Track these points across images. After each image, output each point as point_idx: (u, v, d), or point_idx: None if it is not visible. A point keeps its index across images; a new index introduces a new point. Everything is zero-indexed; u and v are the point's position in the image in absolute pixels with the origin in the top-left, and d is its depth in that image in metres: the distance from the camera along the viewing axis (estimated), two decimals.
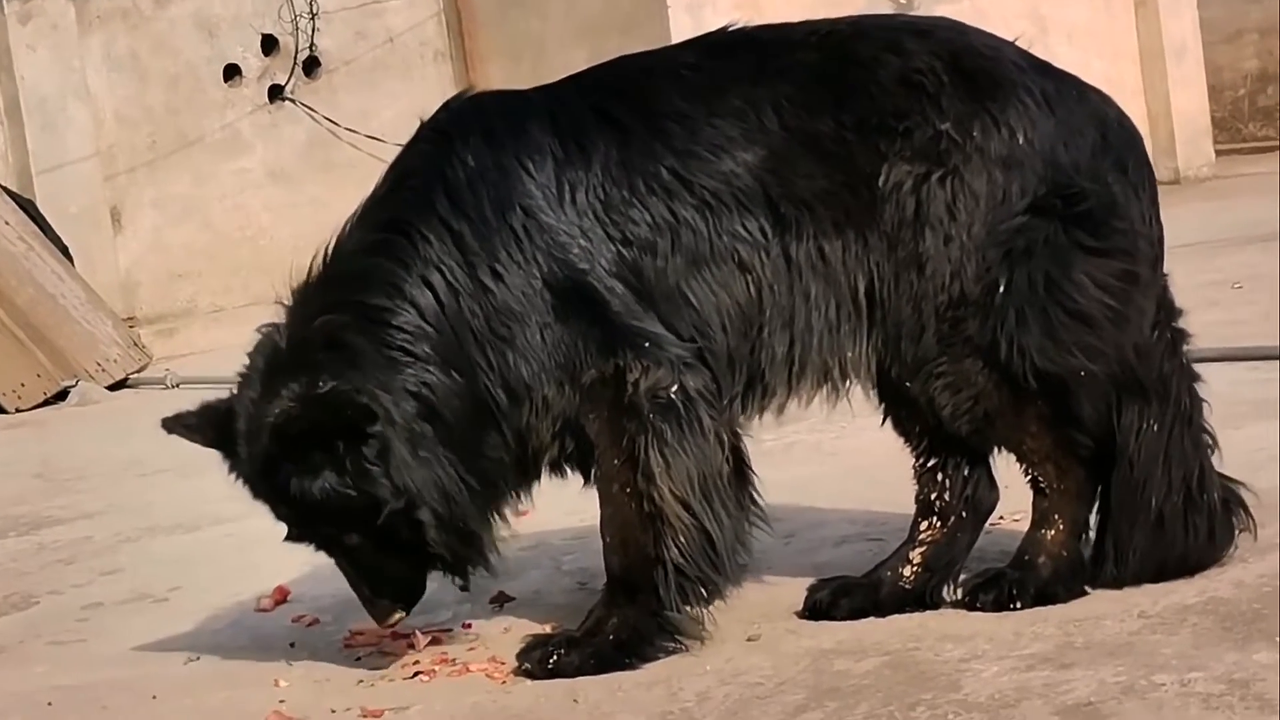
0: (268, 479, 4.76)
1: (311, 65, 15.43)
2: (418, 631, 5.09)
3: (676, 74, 4.90)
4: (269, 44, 15.26)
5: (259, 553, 6.61)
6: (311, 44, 15.39)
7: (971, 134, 4.67)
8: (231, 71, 15.08)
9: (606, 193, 4.72)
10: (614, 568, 4.74)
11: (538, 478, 4.96)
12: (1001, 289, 4.65)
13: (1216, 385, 5.58)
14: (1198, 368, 5.06)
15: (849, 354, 4.78)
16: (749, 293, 4.73)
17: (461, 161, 4.76)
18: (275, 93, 15.24)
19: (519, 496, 4.97)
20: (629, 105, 4.84)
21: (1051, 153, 4.69)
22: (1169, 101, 16.85)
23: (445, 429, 4.69)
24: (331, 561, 5.70)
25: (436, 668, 4.90)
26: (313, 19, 15.35)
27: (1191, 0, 17.19)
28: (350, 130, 15.32)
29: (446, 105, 5.00)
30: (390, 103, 15.51)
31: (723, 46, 4.97)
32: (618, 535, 4.71)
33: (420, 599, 4.89)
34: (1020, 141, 4.68)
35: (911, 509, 5.02)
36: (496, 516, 4.90)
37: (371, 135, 15.22)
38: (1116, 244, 4.71)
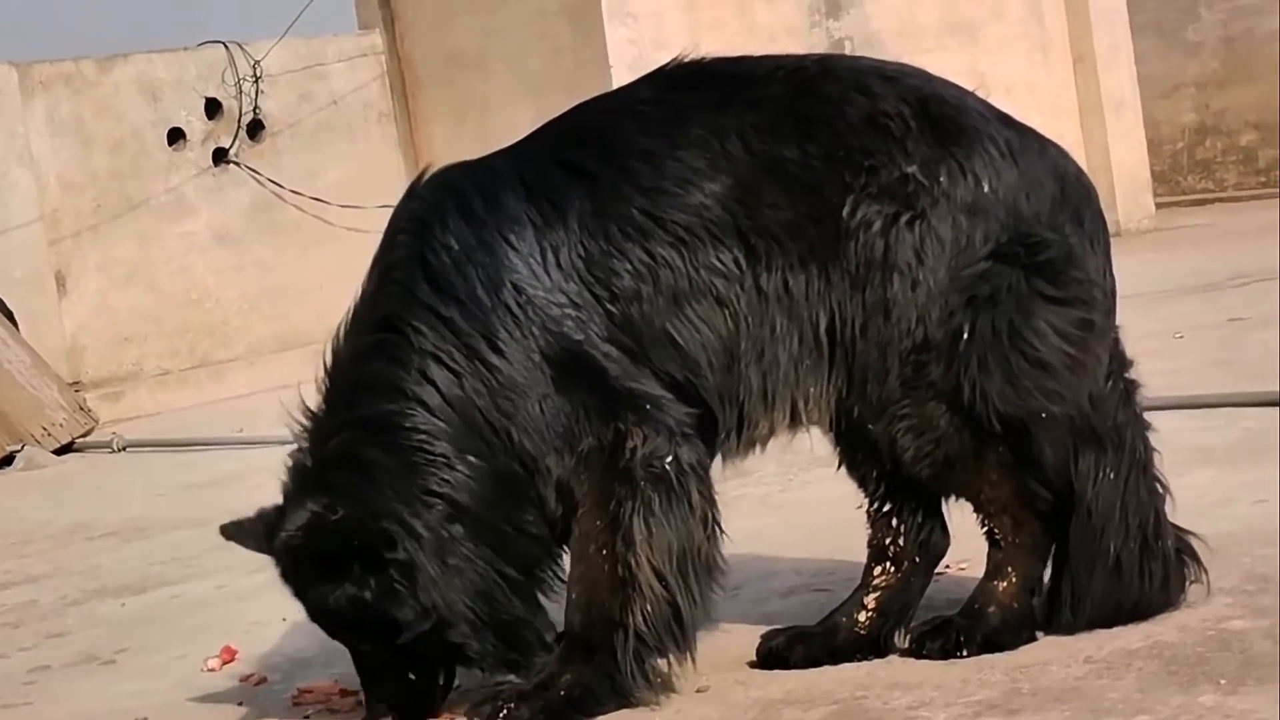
0: (291, 585, 4.80)
1: (255, 128, 15.43)
2: None
3: (635, 111, 4.91)
4: (213, 107, 15.25)
5: (205, 614, 6.63)
6: (255, 107, 15.39)
7: (938, 179, 4.71)
8: (175, 135, 15.06)
9: (586, 249, 4.73)
10: (575, 625, 4.73)
11: (562, 545, 4.92)
12: (965, 335, 4.69)
13: (1160, 433, 5.63)
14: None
15: (811, 390, 4.81)
16: (728, 326, 4.75)
17: (444, 246, 4.76)
18: (219, 156, 15.23)
19: (557, 565, 4.93)
20: (593, 151, 4.85)
21: (1014, 202, 4.74)
22: (1109, 155, 16.97)
23: (475, 522, 4.69)
24: (278, 620, 5.74)
25: None
26: (256, 82, 15.35)
27: (1129, 55, 17.33)
28: (295, 192, 15.32)
29: (413, 191, 4.97)
30: (335, 164, 15.54)
31: (682, 78, 4.97)
32: (584, 594, 4.70)
33: (430, 713, 4.82)
34: (985, 189, 4.73)
35: (858, 560, 5.04)
36: (542, 595, 4.88)
37: (316, 197, 15.24)
38: (1075, 293, 4.76)
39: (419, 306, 4.71)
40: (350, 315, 4.86)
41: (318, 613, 4.74)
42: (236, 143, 15.28)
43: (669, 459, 4.65)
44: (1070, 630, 4.81)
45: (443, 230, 4.78)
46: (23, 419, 12.46)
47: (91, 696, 5.70)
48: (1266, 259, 12.70)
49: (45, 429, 12.49)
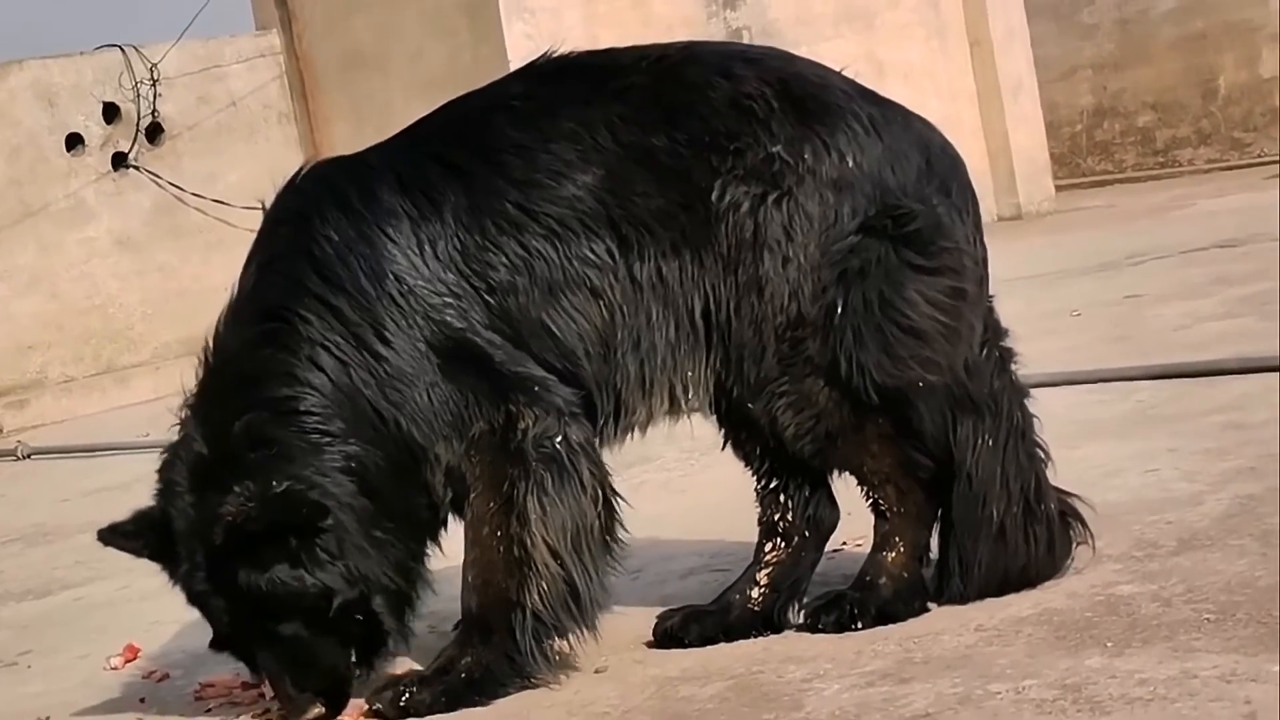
0: (213, 577, 4.71)
1: (155, 131, 15.36)
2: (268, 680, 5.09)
3: (507, 106, 4.96)
4: (111, 112, 15.18)
5: (108, 615, 6.62)
6: (154, 110, 15.32)
7: (803, 156, 4.77)
8: (74, 140, 14.98)
9: (462, 241, 4.78)
10: (471, 607, 4.77)
11: (445, 529, 4.98)
12: (839, 309, 4.74)
13: (1054, 408, 5.73)
14: (1036, 391, 5.18)
15: (690, 374, 4.86)
16: (603, 316, 4.80)
17: (325, 238, 4.78)
18: (119, 160, 15.15)
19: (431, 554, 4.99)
20: (465, 146, 4.90)
21: (880, 175, 4.80)
22: (1008, 139, 17.08)
23: (381, 499, 4.74)
24: (180, 617, 5.72)
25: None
26: (154, 85, 15.29)
27: (1025, 39, 17.44)
28: (196, 195, 15.27)
29: (292, 185, 4.99)
30: (235, 166, 15.49)
31: (551, 73, 5.03)
32: (480, 576, 4.74)
33: (349, 697, 4.82)
34: (850, 164, 4.79)
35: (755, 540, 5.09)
36: (422, 579, 4.93)
37: (218, 199, 15.19)
38: (944, 262, 4.83)
39: (307, 296, 4.73)
40: (231, 307, 4.86)
41: (245, 599, 4.66)
42: (136, 147, 15.22)
43: (559, 438, 4.70)
44: (962, 600, 4.87)
45: (322, 223, 4.80)
46: None
47: None
48: (1163, 238, 12.86)
49: None
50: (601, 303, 4.80)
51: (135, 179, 15.22)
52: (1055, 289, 11.29)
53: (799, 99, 4.85)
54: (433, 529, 4.92)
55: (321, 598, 4.66)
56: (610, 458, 4.97)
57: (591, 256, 4.79)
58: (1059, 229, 15.65)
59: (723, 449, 5.13)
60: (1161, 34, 19.37)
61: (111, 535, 4.88)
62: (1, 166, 14.61)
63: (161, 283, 15.04)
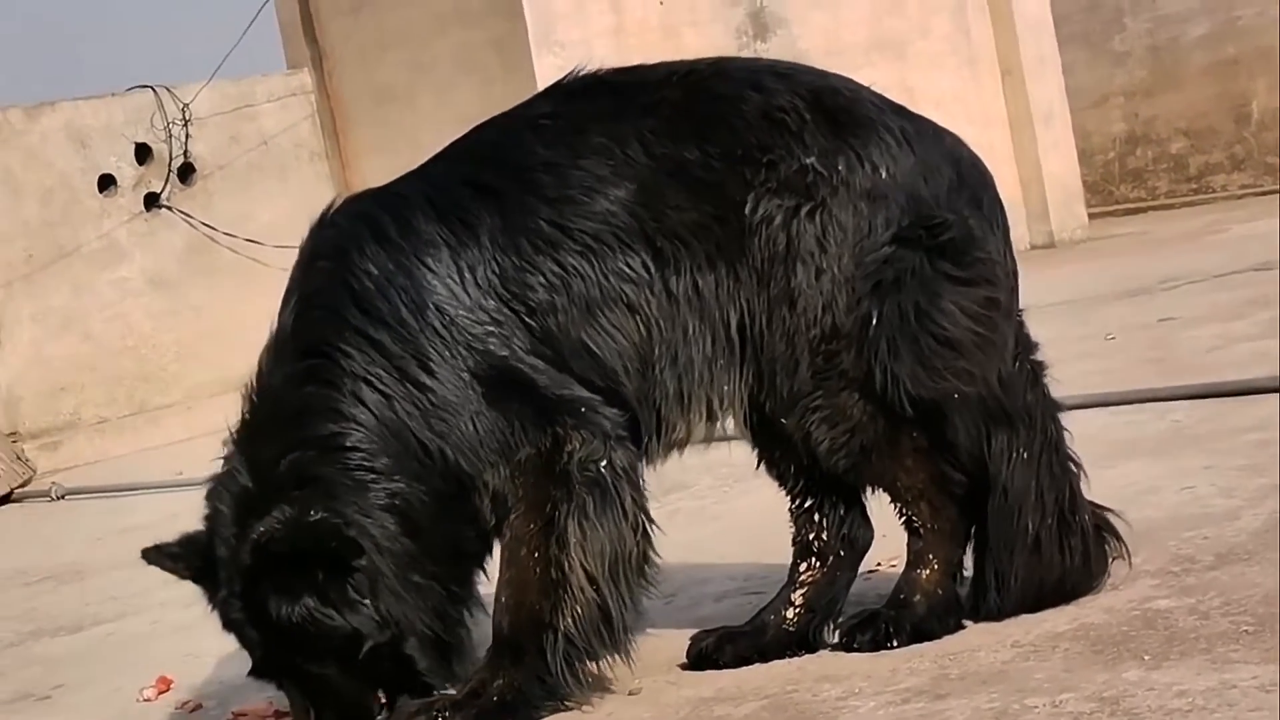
0: (245, 601, 4.68)
1: (186, 171, 15.39)
2: None
3: (535, 125, 4.94)
4: (143, 152, 15.21)
5: (142, 649, 6.61)
6: (185, 150, 15.35)
7: (837, 168, 4.75)
8: (106, 181, 15.00)
9: (500, 264, 4.75)
10: (504, 629, 4.73)
11: (491, 555, 4.94)
12: (874, 320, 4.72)
13: (1090, 429, 5.70)
14: (1072, 413, 5.15)
15: (725, 388, 4.83)
16: (640, 332, 4.77)
17: (365, 271, 4.75)
18: (151, 200, 15.18)
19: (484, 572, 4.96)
20: (497, 168, 4.87)
21: (913, 187, 4.79)
22: (1040, 166, 17.03)
23: (425, 538, 4.70)
24: (213, 649, 5.70)
25: None
26: (185, 125, 15.32)
27: (1057, 66, 17.41)
28: (228, 234, 15.29)
29: (326, 220, 4.96)
30: (268, 205, 15.51)
31: (578, 91, 5.01)
32: (514, 597, 4.70)
33: None
34: (883, 176, 4.77)
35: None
36: (470, 612, 4.89)
37: (250, 238, 15.20)
38: (979, 273, 4.81)
39: (348, 330, 4.71)
40: (273, 343, 4.84)
41: (275, 628, 4.64)
42: (168, 187, 15.24)
43: (604, 463, 4.67)
44: (998, 615, 4.83)
45: (360, 256, 4.78)
46: None
47: None
48: (1197, 263, 12.79)
49: None
50: (638, 318, 4.77)
51: (167, 219, 15.25)
52: (1089, 314, 11.25)
53: (831, 111, 4.84)
54: (480, 559, 4.89)
55: (350, 639, 4.63)
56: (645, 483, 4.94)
57: (627, 271, 4.76)
58: (1092, 256, 15.59)
59: (756, 468, 5.10)
60: (1193, 60, 19.31)
61: (156, 555, 4.86)
62: (34, 208, 14.64)
63: (194, 322, 15.05)
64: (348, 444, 4.66)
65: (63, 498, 12.01)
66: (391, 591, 4.64)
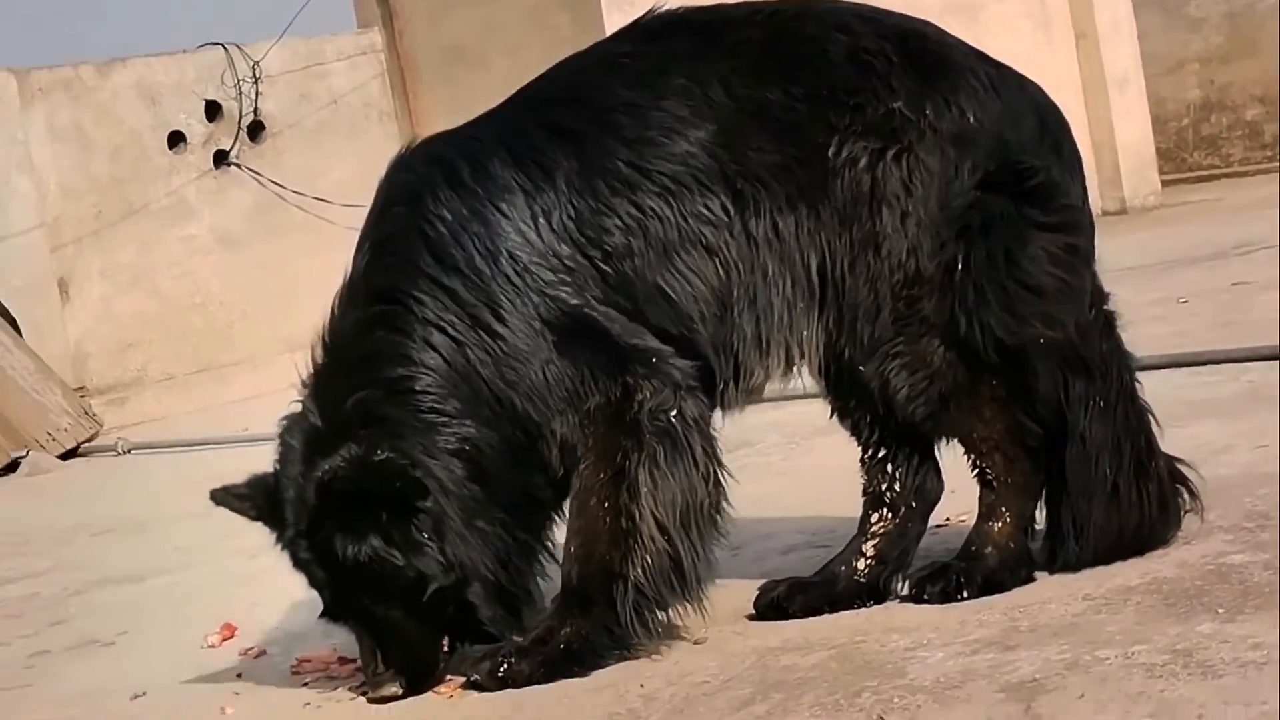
0: (312, 541, 4.67)
1: (256, 129, 15.39)
2: None
3: (615, 65, 4.89)
4: (212, 110, 15.21)
5: (205, 598, 6.62)
6: (255, 108, 15.35)
7: (924, 112, 4.71)
8: (176, 138, 15.02)
9: (576, 208, 4.71)
10: (572, 578, 4.70)
11: (560, 508, 4.91)
12: (960, 265, 4.67)
13: (1163, 389, 5.63)
14: (1145, 374, 5.09)
15: (804, 332, 4.79)
16: (719, 275, 4.73)
17: (439, 217, 4.73)
18: (220, 158, 15.18)
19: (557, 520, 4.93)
20: (574, 109, 4.83)
21: (1000, 132, 4.74)
22: (1113, 132, 16.88)
23: (492, 483, 4.68)
24: (279, 599, 5.69)
25: None
26: (255, 83, 15.31)
27: (1131, 32, 17.25)
28: (297, 193, 15.28)
29: (402, 163, 4.94)
30: (336, 164, 15.49)
31: (659, 30, 4.95)
32: (583, 547, 4.67)
33: (433, 681, 4.77)
34: (971, 120, 4.73)
35: (857, 518, 5.00)
36: (544, 558, 4.87)
37: (319, 197, 15.19)
38: (1064, 219, 4.78)
39: (421, 277, 4.68)
40: (346, 287, 4.83)
41: (343, 568, 4.63)
42: (237, 144, 15.25)
43: (674, 412, 4.63)
44: (1076, 563, 4.79)
45: (435, 202, 4.75)
46: (27, 425, 12.44)
47: (90, 676, 5.68)
48: (1271, 229, 12.63)
49: (50, 434, 12.47)
50: (717, 260, 4.73)
51: (236, 177, 15.26)
52: (1162, 279, 11.14)
53: (919, 55, 4.80)
54: (550, 508, 4.86)
55: (415, 582, 4.61)
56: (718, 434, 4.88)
57: (706, 213, 4.72)
58: (1165, 222, 15.44)
59: (830, 417, 5.05)
60: (1269, 27, 19.05)
61: (224, 495, 4.86)
62: (104, 164, 14.66)
63: (262, 280, 15.04)
64: (417, 387, 4.63)
65: (129, 452, 12.04)
66: (457, 535, 4.62)
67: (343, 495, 4.56)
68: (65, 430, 12.58)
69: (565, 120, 4.81)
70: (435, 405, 4.63)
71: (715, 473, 4.72)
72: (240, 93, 15.29)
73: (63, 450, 12.43)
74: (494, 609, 4.73)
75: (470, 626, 4.74)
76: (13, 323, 13.30)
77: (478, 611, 4.70)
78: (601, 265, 4.70)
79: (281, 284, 14.96)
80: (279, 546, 4.79)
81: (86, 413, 12.95)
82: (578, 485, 4.70)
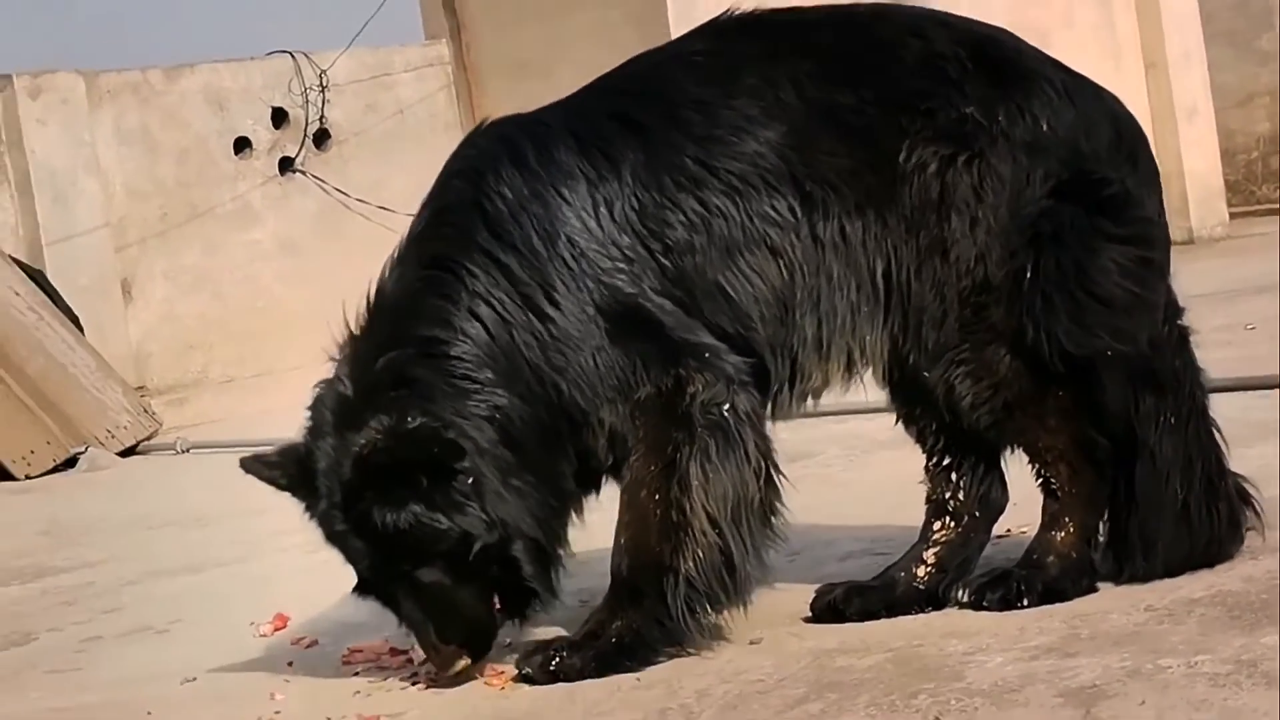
0: (348, 513, 4.64)
1: (322, 137, 15.43)
2: (416, 646, 5.01)
3: (688, 62, 4.87)
4: (279, 117, 15.27)
5: (258, 589, 6.61)
6: (322, 116, 15.40)
7: (997, 118, 4.66)
8: (242, 144, 15.08)
9: (639, 200, 4.68)
10: (622, 571, 4.66)
11: (597, 492, 4.90)
12: (1029, 274, 4.62)
13: (1230, 411, 5.55)
14: (1213, 395, 5.04)
15: (867, 338, 4.74)
16: (782, 276, 4.69)
17: (499, 194, 4.70)
18: (285, 165, 15.24)
19: (579, 514, 4.90)
20: (645, 103, 4.80)
21: (1074, 141, 4.69)
22: (1181, 162, 16.78)
23: (523, 453, 4.63)
24: (332, 591, 5.66)
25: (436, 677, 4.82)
26: (323, 91, 15.37)
27: (1201, 62, 17.16)
28: (361, 201, 15.30)
29: (470, 140, 4.95)
30: (400, 173, 15.48)
31: (733, 30, 4.92)
32: (634, 540, 4.63)
33: (492, 646, 4.76)
34: (1044, 128, 4.68)
35: (918, 528, 4.96)
36: (566, 530, 4.83)
37: (382, 206, 15.19)
38: (1137, 231, 4.72)
39: (476, 250, 4.65)
40: (397, 253, 4.80)
41: (381, 538, 4.58)
42: (302, 152, 15.29)
43: (726, 406, 4.58)
44: (1144, 579, 4.72)
45: (496, 179, 4.72)
46: (87, 422, 12.47)
47: (141, 662, 5.67)
48: None
49: (109, 431, 12.49)
50: (781, 261, 4.69)
51: (301, 183, 15.30)
52: (1229, 306, 11.06)
53: (993, 61, 4.75)
54: (575, 500, 4.82)
55: (459, 541, 4.56)
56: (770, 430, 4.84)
57: (773, 214, 4.68)
58: (1232, 253, 15.33)
59: (894, 424, 5.00)
60: None
61: (253, 464, 4.83)
62: (170, 168, 14.72)
63: (324, 286, 15.01)
64: (452, 352, 4.59)
65: (187, 451, 12.05)
66: (494, 493, 4.57)
67: (381, 468, 4.52)
68: (125, 428, 12.61)
69: (635, 113, 4.78)
70: (468, 372, 4.59)
71: (768, 468, 4.68)
72: (307, 100, 15.34)
73: (122, 448, 12.45)
74: (536, 566, 4.67)
75: (514, 586, 4.68)
76: (75, 321, 13.34)
77: (521, 569, 4.64)
78: (661, 258, 4.67)
79: (344, 291, 14.85)
80: (311, 518, 4.75)
81: (146, 411, 12.98)
82: (627, 477, 4.66)
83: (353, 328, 4.78)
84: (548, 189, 4.68)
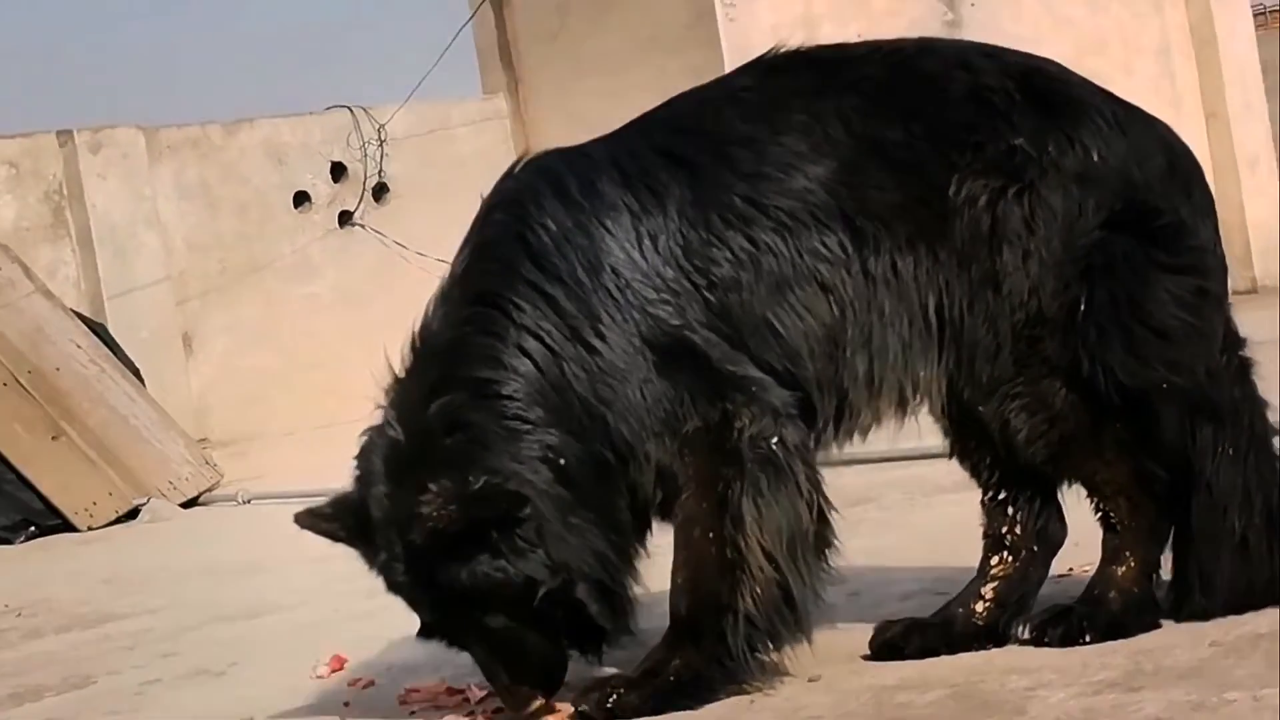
0: (413, 568, 4.59)
1: (380, 191, 15.52)
2: (473, 685, 4.99)
3: (735, 98, 4.83)
4: (338, 171, 15.36)
5: (316, 633, 6.60)
6: (380, 170, 15.47)
7: (1047, 149, 4.61)
8: (301, 198, 15.18)
9: (685, 237, 4.63)
10: (680, 610, 4.62)
11: (650, 529, 4.83)
12: (1083, 306, 4.58)
13: None
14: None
15: (921, 374, 4.69)
16: (832, 313, 4.64)
17: (542, 226, 4.64)
18: (344, 218, 15.32)
19: (637, 553, 4.81)
20: (692, 139, 4.76)
21: (1125, 171, 4.65)
22: (1243, 212, 16.73)
23: (579, 491, 4.58)
24: (390, 634, 5.65)
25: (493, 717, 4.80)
26: (381, 146, 15.44)
27: (1263, 112, 17.12)
28: (420, 254, 15.34)
29: (511, 172, 4.89)
30: (458, 227, 15.16)
31: (779, 66, 4.88)
32: (691, 578, 4.59)
33: (563, 681, 4.72)
34: (1095, 158, 4.63)
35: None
36: (635, 567, 4.76)
37: (440, 259, 15.14)
38: (1191, 261, 4.67)
39: (521, 283, 4.60)
40: (441, 291, 4.77)
41: (449, 591, 4.55)
42: (361, 205, 15.37)
43: (775, 439, 4.54)
44: (1203, 616, 4.66)
45: (539, 211, 4.67)
46: (148, 473, 12.51)
47: (199, 703, 5.67)
48: None
49: (171, 483, 12.52)
50: (832, 298, 4.64)
51: (360, 236, 15.38)
52: None
53: (1041, 92, 4.70)
54: (635, 531, 4.76)
55: (525, 587, 4.52)
56: (832, 492, 4.77)
57: (823, 250, 4.63)
58: None
59: (949, 458, 4.96)
60: None
61: (309, 518, 4.79)
62: (230, 221, 14.82)
63: (384, 339, 15.06)
64: (503, 391, 4.54)
65: (249, 502, 12.07)
66: (556, 536, 4.52)
67: (455, 535, 4.48)
68: (186, 479, 12.65)
69: (681, 149, 4.74)
70: (520, 411, 4.54)
71: (819, 501, 4.63)
72: (365, 155, 15.43)
73: (184, 499, 12.48)
74: (602, 605, 4.62)
75: (581, 627, 4.65)
76: (137, 374, 13.40)
77: (587, 608, 4.60)
78: (706, 293, 4.62)
79: (402, 343, 14.96)
80: (373, 570, 4.71)
81: (207, 463, 13.02)
82: (680, 516, 4.61)
83: (398, 370, 4.75)
84: (591, 220, 4.64)
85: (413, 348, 4.75)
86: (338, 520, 4.73)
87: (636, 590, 4.75)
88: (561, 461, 4.55)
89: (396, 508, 4.57)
